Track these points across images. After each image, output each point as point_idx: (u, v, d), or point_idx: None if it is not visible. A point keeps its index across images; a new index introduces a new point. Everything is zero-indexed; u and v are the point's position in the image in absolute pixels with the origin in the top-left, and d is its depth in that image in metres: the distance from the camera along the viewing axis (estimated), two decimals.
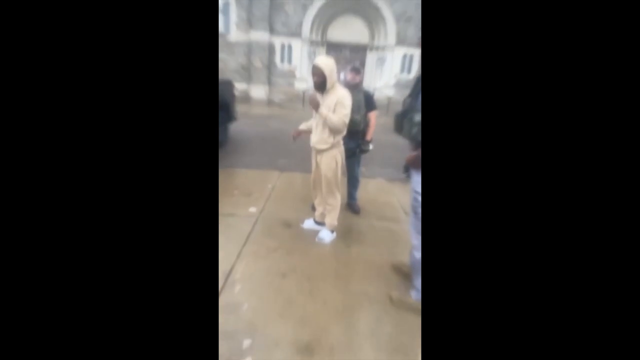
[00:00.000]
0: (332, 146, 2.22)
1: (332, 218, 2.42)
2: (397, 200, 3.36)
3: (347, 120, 2.13)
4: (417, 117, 1.47)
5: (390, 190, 3.68)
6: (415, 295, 1.75)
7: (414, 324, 1.63)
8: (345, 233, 2.54)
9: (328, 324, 1.57)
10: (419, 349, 1.48)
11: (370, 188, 3.71)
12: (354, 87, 2.66)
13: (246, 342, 1.41)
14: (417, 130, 1.48)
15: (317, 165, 2.35)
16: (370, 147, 2.82)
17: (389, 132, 1.58)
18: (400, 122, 1.58)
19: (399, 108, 1.69)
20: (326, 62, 2.07)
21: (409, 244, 1.79)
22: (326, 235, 2.41)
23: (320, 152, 2.27)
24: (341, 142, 2.29)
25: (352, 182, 3.04)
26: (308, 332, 1.51)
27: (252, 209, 2.82)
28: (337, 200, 2.41)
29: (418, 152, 1.51)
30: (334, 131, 2.15)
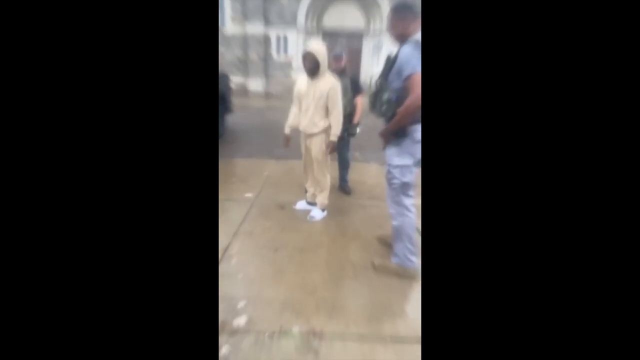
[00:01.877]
0: (321, 130, 2.37)
1: (323, 197, 2.59)
2: None
3: (341, 108, 2.31)
4: (385, 96, 1.63)
5: (382, 173, 3.82)
6: (395, 260, 1.91)
7: (394, 286, 1.80)
8: (336, 211, 2.71)
9: (315, 288, 1.75)
10: (397, 306, 1.65)
11: (363, 171, 3.86)
12: (340, 73, 2.80)
13: (241, 304, 1.60)
14: (385, 107, 1.64)
15: (307, 148, 2.50)
16: (358, 130, 2.96)
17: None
18: (373, 102, 1.73)
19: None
20: (319, 48, 2.19)
21: None
22: (317, 214, 2.58)
23: (310, 136, 2.42)
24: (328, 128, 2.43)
25: (343, 164, 3.19)
26: (296, 295, 1.69)
27: (249, 194, 2.99)
28: (327, 181, 2.57)
29: (388, 128, 1.68)
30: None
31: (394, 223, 1.85)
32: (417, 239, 1.86)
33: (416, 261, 1.85)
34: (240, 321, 1.49)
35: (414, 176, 1.74)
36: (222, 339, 1.39)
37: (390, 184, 1.80)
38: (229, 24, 11.89)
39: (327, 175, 2.57)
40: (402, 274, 1.87)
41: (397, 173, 1.74)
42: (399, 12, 1.62)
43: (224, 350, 1.34)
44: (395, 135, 1.67)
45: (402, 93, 1.56)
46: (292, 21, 11.90)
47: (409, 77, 1.49)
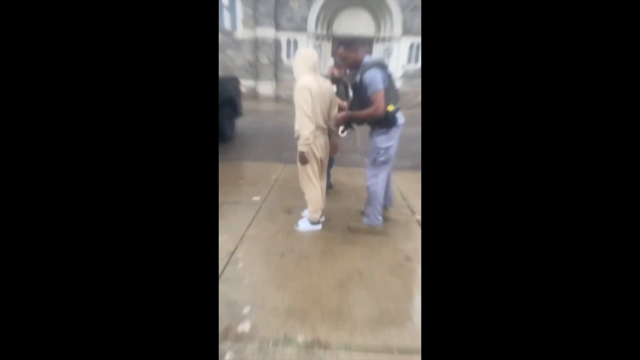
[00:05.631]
0: (299, 136, 2.18)
1: (310, 211, 2.42)
2: (397, 186, 3.47)
3: (301, 106, 2.07)
4: (356, 104, 2.21)
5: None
6: (366, 221, 2.43)
7: (401, 294, 1.77)
8: (342, 219, 2.68)
9: (320, 295, 1.73)
10: (404, 316, 1.62)
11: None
12: (337, 81, 2.80)
13: (246, 309, 1.59)
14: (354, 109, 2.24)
15: None
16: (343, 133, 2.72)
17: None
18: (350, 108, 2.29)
19: (405, 99, 2.23)
20: (295, 55, 2.17)
21: (405, 224, 2.31)
22: (302, 224, 2.48)
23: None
24: (314, 134, 2.17)
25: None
26: (302, 301, 1.67)
27: (256, 198, 2.99)
28: (312, 193, 2.37)
29: (351, 116, 2.23)
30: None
31: (370, 190, 2.33)
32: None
33: (381, 220, 2.42)
34: (245, 327, 1.48)
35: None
36: (226, 345, 1.38)
37: (374, 160, 2.27)
38: (240, 28, 12.00)
39: (311, 187, 2.34)
40: (371, 231, 2.41)
41: (382, 152, 2.22)
42: (347, 46, 2.13)
43: (227, 357, 1.32)
44: (385, 125, 2.16)
45: (367, 102, 2.10)
46: (302, 26, 11.97)
47: (374, 93, 2.03)
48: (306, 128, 2.08)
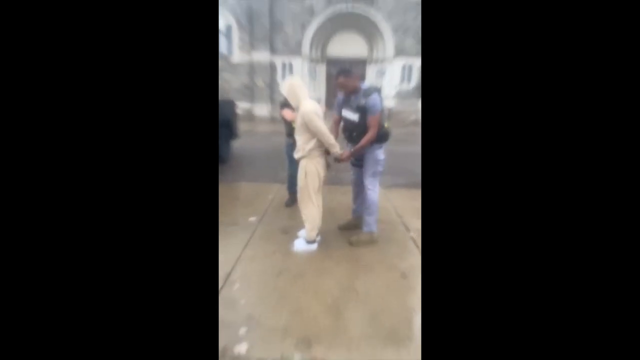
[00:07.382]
0: (304, 154, 2.31)
1: (307, 229, 2.46)
2: (392, 205, 3.51)
3: (321, 130, 2.20)
4: (358, 130, 2.37)
5: (385, 195, 3.84)
6: (366, 229, 2.58)
7: (398, 311, 1.78)
8: (338, 237, 2.71)
9: (318, 314, 1.74)
10: (401, 333, 1.62)
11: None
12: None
13: (242, 330, 1.59)
14: (356, 135, 2.42)
15: None
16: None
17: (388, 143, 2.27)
18: (349, 134, 2.51)
19: (399, 118, 2.33)
20: (284, 84, 2.27)
21: (400, 241, 2.31)
22: (298, 244, 2.51)
23: (298, 161, 2.38)
24: (315, 153, 2.32)
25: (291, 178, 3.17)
26: (299, 321, 1.68)
27: (252, 219, 3.01)
28: (310, 212, 2.43)
29: (355, 151, 2.39)
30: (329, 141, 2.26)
31: (370, 200, 2.51)
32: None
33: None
34: (241, 349, 1.48)
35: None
36: None
37: (375, 172, 2.49)
38: (236, 53, 12.33)
39: (310, 205, 2.41)
40: (371, 240, 2.57)
41: (381, 163, 2.47)
42: (347, 74, 2.31)
43: None
44: (383, 140, 2.40)
45: (365, 128, 2.32)
46: (297, 49, 12.31)
47: (372, 118, 2.27)
48: (334, 146, 2.29)
